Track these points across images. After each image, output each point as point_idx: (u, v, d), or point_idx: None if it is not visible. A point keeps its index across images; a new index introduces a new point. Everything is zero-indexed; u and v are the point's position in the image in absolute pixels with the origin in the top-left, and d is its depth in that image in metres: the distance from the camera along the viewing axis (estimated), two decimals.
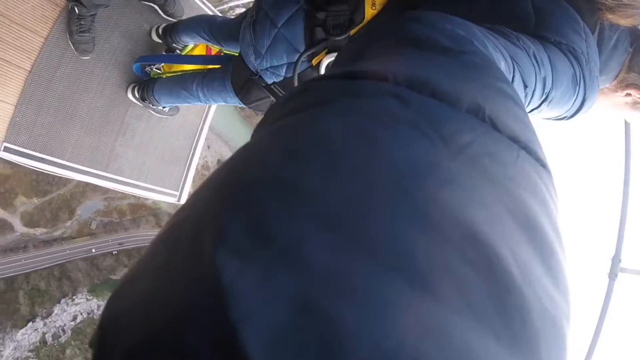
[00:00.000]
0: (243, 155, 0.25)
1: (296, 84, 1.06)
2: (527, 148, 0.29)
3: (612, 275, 2.43)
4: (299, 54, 1.09)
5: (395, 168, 0.22)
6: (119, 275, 25.28)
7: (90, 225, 23.97)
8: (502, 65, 0.48)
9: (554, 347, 0.21)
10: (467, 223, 0.21)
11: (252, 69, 1.26)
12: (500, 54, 0.48)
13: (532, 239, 0.23)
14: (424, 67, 0.32)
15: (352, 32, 1.02)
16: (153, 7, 2.29)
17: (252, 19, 1.21)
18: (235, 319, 0.16)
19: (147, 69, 2.21)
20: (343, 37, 1.03)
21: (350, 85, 0.30)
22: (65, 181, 21.36)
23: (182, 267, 0.19)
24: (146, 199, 2.80)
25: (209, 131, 2.94)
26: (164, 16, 2.34)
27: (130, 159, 2.39)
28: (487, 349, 0.17)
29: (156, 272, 0.21)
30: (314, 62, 1.10)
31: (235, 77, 1.40)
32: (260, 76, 1.25)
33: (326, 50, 1.07)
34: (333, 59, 1.04)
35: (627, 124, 2.51)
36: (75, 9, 1.82)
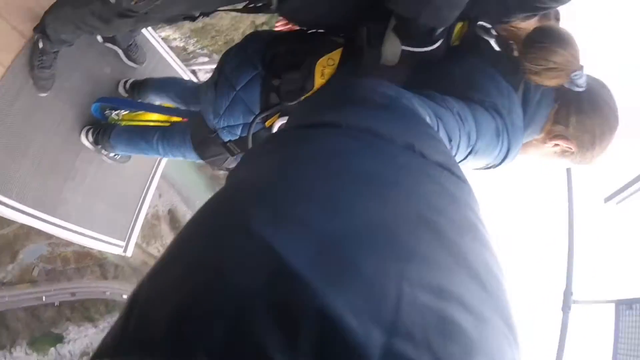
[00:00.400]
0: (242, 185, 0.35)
1: (250, 143, 1.17)
2: (450, 170, 0.38)
3: (566, 308, 2.52)
4: (254, 116, 1.17)
5: (359, 173, 0.33)
6: (60, 328, 23.37)
7: (32, 271, 22.19)
8: (427, 119, 0.58)
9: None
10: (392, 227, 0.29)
11: (211, 127, 1.33)
12: (425, 111, 0.59)
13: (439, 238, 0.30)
14: (365, 117, 0.43)
15: (302, 98, 1.13)
16: (116, 51, 2.28)
17: (213, 80, 1.30)
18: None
19: (107, 112, 2.16)
20: (294, 102, 1.13)
21: (315, 131, 0.41)
22: (9, 221, 19.91)
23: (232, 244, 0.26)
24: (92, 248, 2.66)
25: (161, 179, 2.87)
26: (126, 61, 2.33)
27: (79, 204, 2.27)
28: None
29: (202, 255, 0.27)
30: (268, 123, 1.19)
31: (194, 133, 1.51)
32: (217, 134, 1.32)
33: (279, 113, 1.17)
34: (285, 121, 1.13)
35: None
36: (40, 42, 1.79)
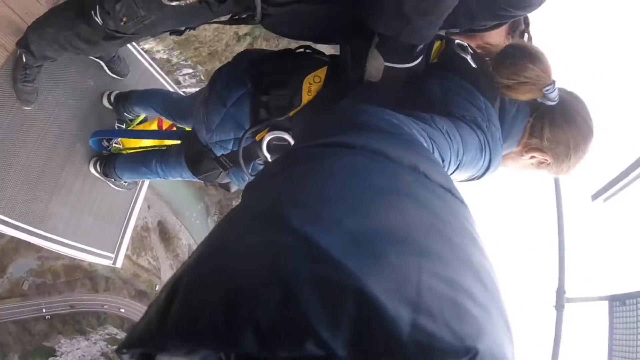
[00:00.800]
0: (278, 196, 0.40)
1: (241, 156, 1.23)
2: (450, 191, 0.45)
3: (559, 307, 2.53)
4: (244, 131, 1.23)
5: (378, 185, 0.40)
6: (52, 342, 22.99)
7: (22, 285, 21.84)
8: (424, 144, 0.65)
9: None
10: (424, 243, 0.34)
11: (203, 142, 1.39)
12: (422, 137, 0.66)
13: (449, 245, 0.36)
14: (376, 141, 0.48)
15: (291, 113, 1.19)
16: (99, 63, 2.26)
17: (205, 98, 1.35)
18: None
19: (105, 143, 2.22)
20: (283, 117, 1.19)
21: (333, 149, 0.47)
22: None
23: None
24: (82, 260, 2.63)
25: (149, 191, 2.87)
26: (110, 73, 2.31)
27: (66, 217, 2.24)
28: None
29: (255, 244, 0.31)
30: (258, 138, 1.25)
31: (187, 150, 1.55)
32: (210, 149, 1.37)
33: (268, 128, 1.22)
34: (274, 135, 1.20)
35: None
36: (23, 57, 1.77)
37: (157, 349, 0.27)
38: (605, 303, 2.78)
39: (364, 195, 0.38)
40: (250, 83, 1.26)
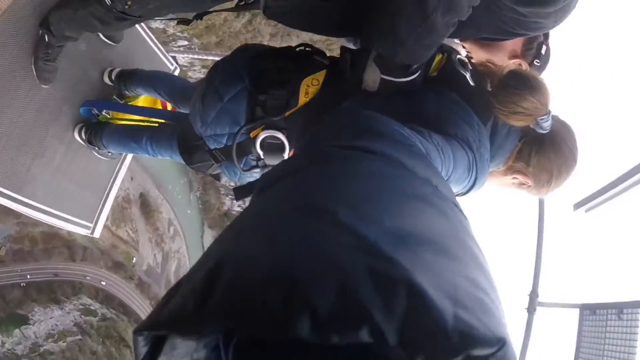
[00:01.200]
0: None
1: (234, 152, 1.26)
2: (457, 206, 0.49)
3: (531, 309, 2.58)
4: (239, 127, 1.25)
5: (403, 191, 0.44)
6: (26, 310, 22.76)
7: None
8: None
9: None
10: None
11: (198, 134, 1.39)
12: (424, 149, 0.70)
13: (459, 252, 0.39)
14: (394, 150, 0.52)
15: (286, 114, 1.21)
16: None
17: (202, 91, 1.35)
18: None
19: (95, 111, 2.19)
20: (279, 117, 1.21)
21: (356, 153, 0.50)
22: None
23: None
24: (61, 229, 2.58)
25: (133, 162, 2.82)
26: (103, 38, 2.27)
27: (46, 183, 2.20)
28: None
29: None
30: (252, 134, 1.27)
31: (181, 140, 1.54)
32: (204, 141, 1.38)
33: (263, 126, 1.24)
34: (268, 134, 1.23)
35: None
36: (46, 37, 1.85)
37: (194, 331, 0.28)
38: (577, 311, 2.83)
39: (397, 199, 0.41)
40: (249, 80, 1.27)
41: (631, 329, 2.43)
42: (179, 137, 1.57)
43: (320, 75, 1.22)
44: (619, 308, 2.53)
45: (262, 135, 1.24)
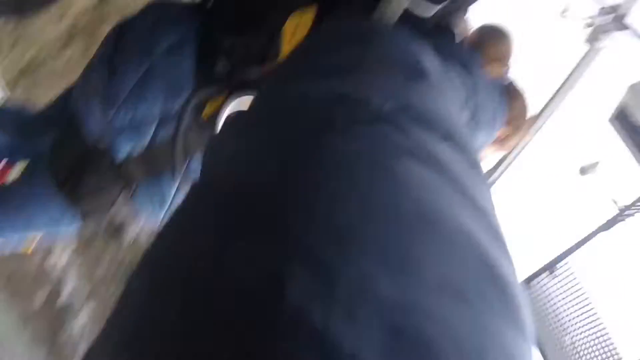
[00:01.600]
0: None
1: (180, 145, 0.76)
2: (478, 167, 0.36)
3: None
4: (185, 97, 0.75)
5: (410, 197, 0.27)
6: None
7: None
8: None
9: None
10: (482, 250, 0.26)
11: (91, 137, 0.79)
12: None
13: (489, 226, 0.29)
14: (409, 95, 0.36)
15: (266, 68, 0.78)
16: None
17: (105, 52, 0.80)
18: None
19: None
20: (256, 74, 0.77)
21: (349, 110, 0.32)
22: None
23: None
24: None
25: None
26: None
27: None
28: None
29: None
30: (207, 112, 0.77)
31: (56, 163, 0.83)
32: (104, 148, 0.79)
33: (227, 93, 0.77)
34: (239, 100, 0.76)
35: None
36: None
37: None
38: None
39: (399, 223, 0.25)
40: (200, 15, 0.80)
41: None
42: (52, 162, 0.82)
43: (310, 13, 0.77)
44: None
45: (228, 109, 0.76)
